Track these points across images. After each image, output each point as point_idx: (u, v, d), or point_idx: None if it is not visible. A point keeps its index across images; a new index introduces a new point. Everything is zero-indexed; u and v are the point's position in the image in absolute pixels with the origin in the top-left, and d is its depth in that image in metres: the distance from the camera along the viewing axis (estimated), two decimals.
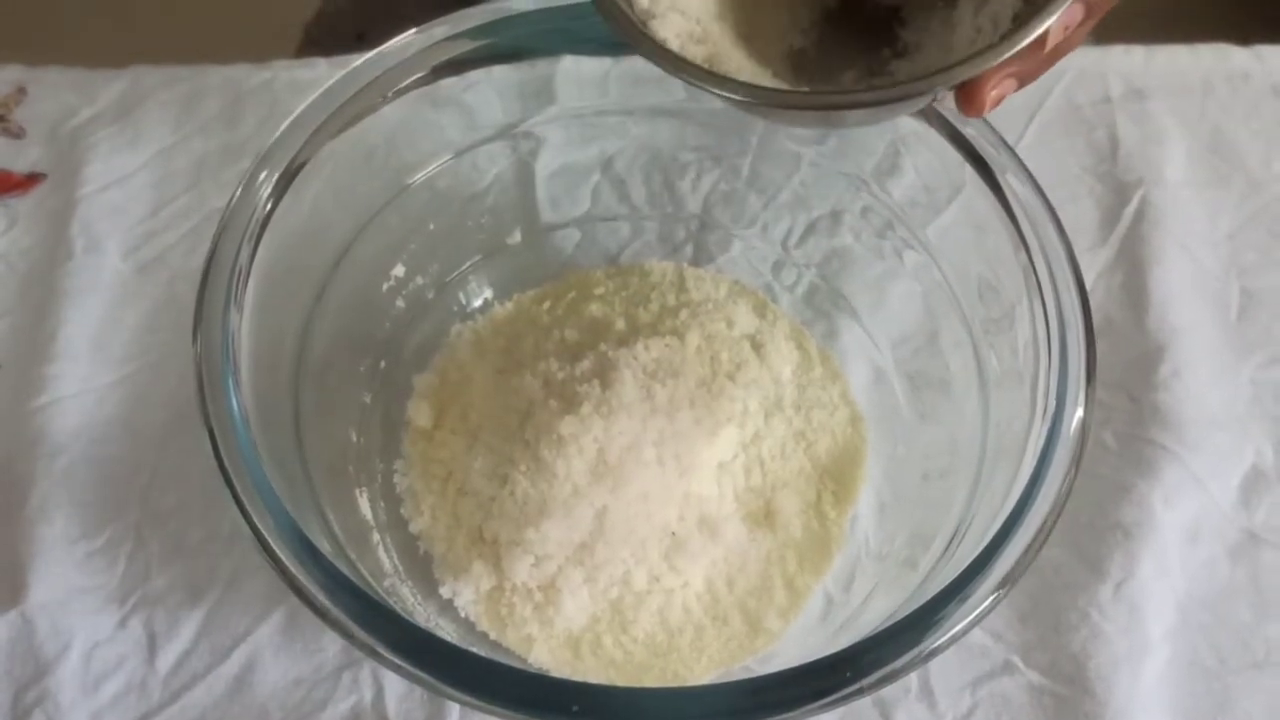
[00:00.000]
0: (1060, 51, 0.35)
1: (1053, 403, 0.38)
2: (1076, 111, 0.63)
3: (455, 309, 0.54)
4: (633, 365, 0.48)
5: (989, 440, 0.43)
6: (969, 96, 0.33)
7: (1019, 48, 0.32)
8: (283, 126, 0.43)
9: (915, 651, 0.35)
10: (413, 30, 0.47)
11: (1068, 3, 0.32)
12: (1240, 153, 0.61)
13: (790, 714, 0.33)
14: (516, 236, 0.55)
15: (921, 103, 0.38)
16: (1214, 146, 0.62)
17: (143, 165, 0.59)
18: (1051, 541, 0.49)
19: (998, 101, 0.34)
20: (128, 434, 0.52)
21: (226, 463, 0.37)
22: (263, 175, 0.41)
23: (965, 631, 0.35)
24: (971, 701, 0.47)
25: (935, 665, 0.47)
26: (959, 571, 0.36)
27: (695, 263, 0.57)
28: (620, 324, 0.52)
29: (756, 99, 0.35)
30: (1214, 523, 0.51)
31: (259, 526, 0.37)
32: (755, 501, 0.49)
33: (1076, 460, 0.37)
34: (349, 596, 0.36)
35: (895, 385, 0.52)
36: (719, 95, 0.35)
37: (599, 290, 0.55)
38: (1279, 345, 0.56)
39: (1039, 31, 0.32)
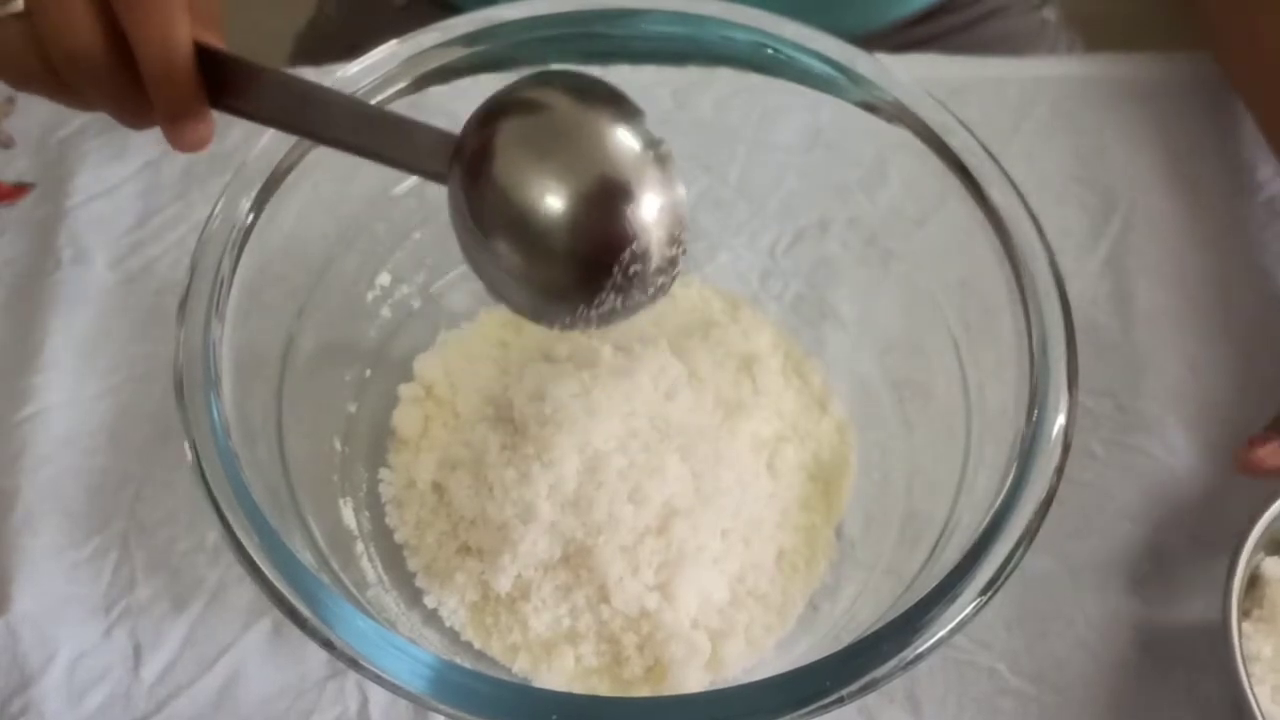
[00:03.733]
0: None
1: (1035, 410, 0.38)
2: (1064, 119, 0.63)
3: (441, 318, 0.54)
4: (621, 377, 0.48)
5: (972, 448, 0.43)
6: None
7: None
8: (266, 136, 0.43)
9: (897, 659, 0.35)
10: (399, 39, 0.47)
11: None
12: (1225, 160, 0.62)
13: None
14: None
15: None
16: (1200, 154, 0.62)
17: (130, 176, 0.59)
18: (1037, 549, 0.50)
19: None
20: (114, 444, 0.52)
21: (207, 473, 0.37)
22: (245, 185, 0.41)
23: (948, 638, 0.35)
24: (957, 709, 0.47)
25: (921, 673, 0.47)
26: (941, 578, 0.36)
27: (682, 271, 0.56)
28: (609, 335, 0.52)
29: None
30: (1200, 532, 0.51)
31: (240, 538, 0.37)
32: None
33: (1059, 467, 0.37)
34: (331, 607, 0.36)
35: (881, 394, 0.52)
36: None
37: None
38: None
39: None
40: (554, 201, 0.35)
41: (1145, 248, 0.58)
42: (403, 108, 0.47)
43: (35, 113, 0.61)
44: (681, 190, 0.37)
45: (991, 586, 0.36)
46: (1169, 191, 0.60)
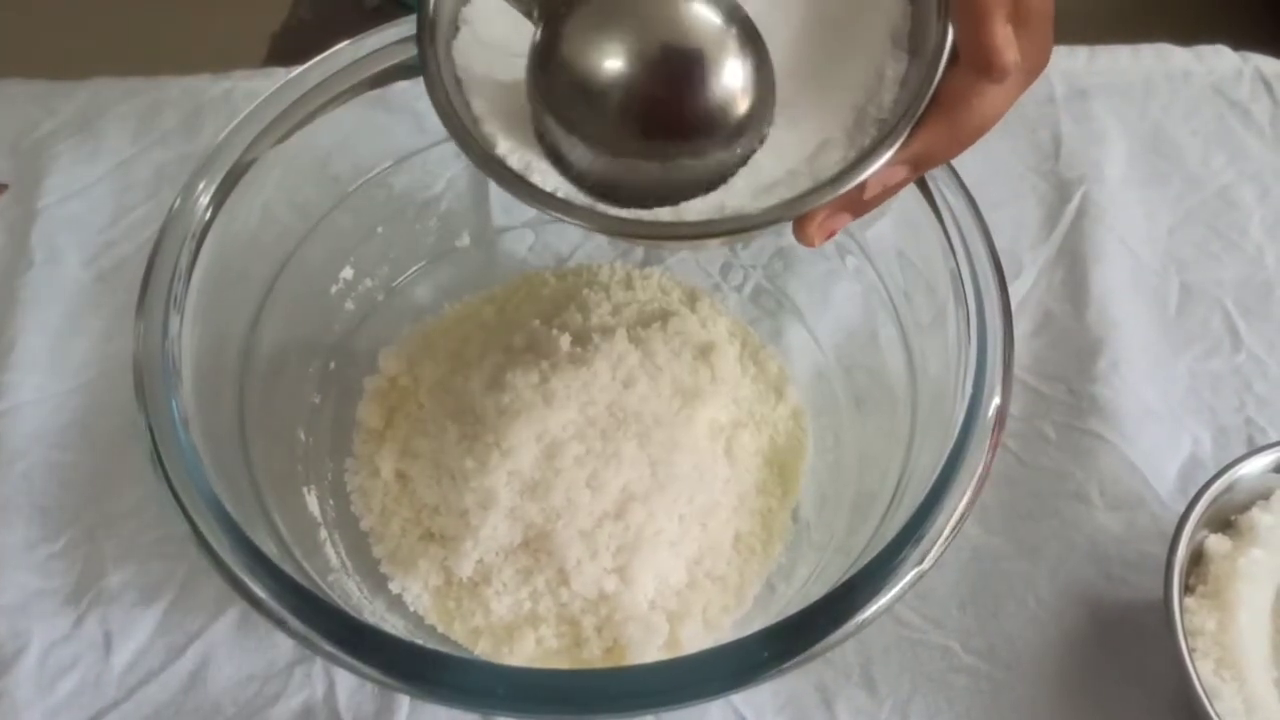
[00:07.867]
0: (886, 195, 0.37)
1: (973, 392, 0.40)
2: (1021, 111, 0.63)
3: (405, 311, 0.55)
4: (578, 366, 0.49)
5: (917, 431, 0.44)
6: (799, 228, 0.36)
7: (834, 195, 0.34)
8: (225, 131, 0.44)
9: (839, 632, 0.36)
10: (365, 34, 0.47)
11: (883, 160, 0.34)
12: (1180, 151, 0.63)
13: (710, 696, 0.34)
14: (465, 239, 0.56)
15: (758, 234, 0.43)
16: (1154, 145, 0.63)
17: (103, 176, 0.60)
18: (991, 530, 0.51)
19: (830, 233, 0.36)
20: (85, 439, 0.53)
21: (166, 465, 0.38)
22: (203, 181, 0.42)
23: (884, 610, 0.36)
24: (911, 687, 0.48)
25: (876, 652, 0.48)
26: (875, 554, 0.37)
27: (645, 264, 0.58)
28: (568, 325, 0.53)
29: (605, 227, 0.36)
30: (1152, 510, 0.52)
31: (200, 527, 0.38)
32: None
33: (993, 445, 0.38)
34: (291, 594, 0.37)
35: (835, 382, 0.53)
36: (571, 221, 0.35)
37: (547, 292, 0.56)
38: (1216, 338, 0.57)
39: (856, 182, 0.34)
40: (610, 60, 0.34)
41: (1099, 236, 0.59)
42: (365, 104, 0.48)
43: (9, 115, 0.62)
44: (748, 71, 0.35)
45: (925, 561, 0.37)
46: (1123, 181, 0.61)
